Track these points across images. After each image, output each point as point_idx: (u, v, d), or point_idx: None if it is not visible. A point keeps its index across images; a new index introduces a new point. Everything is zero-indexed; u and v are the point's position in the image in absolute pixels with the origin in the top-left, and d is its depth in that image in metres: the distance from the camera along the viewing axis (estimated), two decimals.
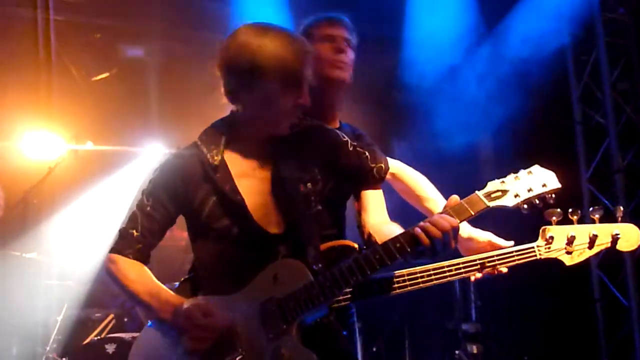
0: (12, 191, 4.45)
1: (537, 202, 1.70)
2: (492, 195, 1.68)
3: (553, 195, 1.70)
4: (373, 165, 1.90)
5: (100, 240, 4.75)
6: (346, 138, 1.90)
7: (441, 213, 1.65)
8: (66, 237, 4.83)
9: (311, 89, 2.20)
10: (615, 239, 1.82)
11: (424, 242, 1.59)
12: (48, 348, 4.08)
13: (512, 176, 1.71)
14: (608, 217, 1.87)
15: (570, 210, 1.83)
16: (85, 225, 5.06)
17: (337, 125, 2.27)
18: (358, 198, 1.97)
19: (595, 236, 1.82)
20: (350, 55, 2.25)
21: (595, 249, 1.84)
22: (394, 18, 5.06)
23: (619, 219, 1.85)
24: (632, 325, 4.73)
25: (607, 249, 1.85)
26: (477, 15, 5.04)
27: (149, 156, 5.30)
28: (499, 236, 1.99)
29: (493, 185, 1.70)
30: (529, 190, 1.69)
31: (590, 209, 1.85)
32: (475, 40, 5.08)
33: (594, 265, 4.94)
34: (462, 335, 4.65)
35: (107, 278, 1.85)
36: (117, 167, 5.32)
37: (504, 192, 1.68)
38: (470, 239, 1.99)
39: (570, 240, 1.82)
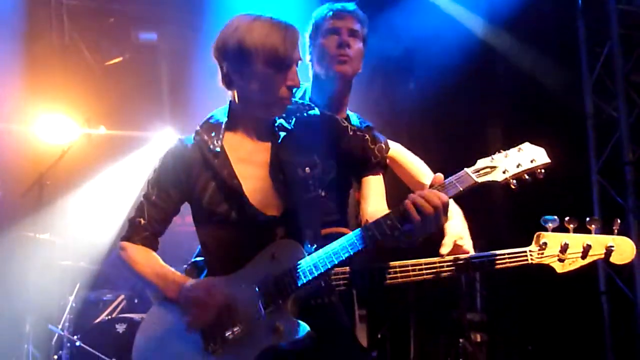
0: (26, 173, 4.53)
1: (527, 177, 1.70)
2: (481, 172, 1.69)
3: (542, 171, 1.70)
4: (373, 146, 1.94)
5: (112, 222, 4.84)
6: (346, 124, 1.95)
7: (432, 189, 1.67)
8: (79, 218, 4.92)
9: (320, 81, 2.28)
10: (609, 251, 1.84)
11: (414, 218, 1.62)
12: (60, 326, 4.17)
13: (502, 154, 1.72)
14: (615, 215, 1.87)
15: (567, 218, 1.86)
16: (97, 207, 5.15)
17: (344, 115, 2.31)
18: (359, 187, 2.01)
19: (589, 246, 1.83)
20: (355, 47, 2.27)
21: (588, 259, 1.85)
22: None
23: (615, 231, 1.87)
24: (637, 319, 4.74)
25: (600, 260, 1.86)
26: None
27: (160, 140, 5.36)
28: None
29: (482, 163, 1.71)
30: (517, 166, 1.69)
31: (587, 219, 1.87)
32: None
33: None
34: (467, 324, 4.69)
35: (119, 263, 1.95)
36: (129, 150, 5.39)
37: (493, 168, 1.69)
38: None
39: (564, 248, 1.84)
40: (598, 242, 1.84)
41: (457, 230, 2.02)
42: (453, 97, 5.11)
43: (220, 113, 1.94)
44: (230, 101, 1.92)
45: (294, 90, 1.82)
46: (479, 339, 4.63)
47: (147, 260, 1.88)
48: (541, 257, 1.86)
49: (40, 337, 4.23)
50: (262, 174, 1.84)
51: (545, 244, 1.86)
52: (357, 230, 1.71)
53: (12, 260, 4.39)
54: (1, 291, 4.34)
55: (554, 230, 1.87)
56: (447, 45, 4.81)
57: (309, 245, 1.77)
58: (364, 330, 4.71)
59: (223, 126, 1.89)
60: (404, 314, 4.89)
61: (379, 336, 4.81)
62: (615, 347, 4.80)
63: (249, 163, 1.85)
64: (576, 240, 1.85)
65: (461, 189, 1.68)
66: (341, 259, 1.70)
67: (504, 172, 1.69)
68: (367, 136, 1.94)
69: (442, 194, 1.65)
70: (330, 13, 2.30)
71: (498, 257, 1.89)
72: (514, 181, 1.70)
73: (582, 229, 1.87)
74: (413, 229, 1.65)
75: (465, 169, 1.71)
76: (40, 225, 4.37)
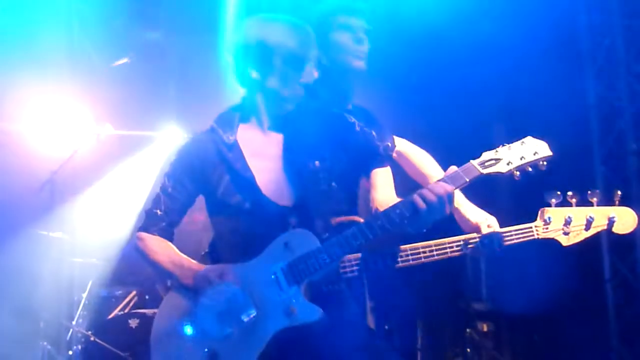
0: (38, 173, 4.62)
1: (530, 169, 1.80)
2: (486, 164, 1.79)
3: (544, 163, 1.80)
4: (379, 143, 2.06)
5: (122, 219, 4.93)
6: (353, 120, 2.05)
7: (439, 181, 1.79)
8: (90, 216, 5.01)
9: (328, 74, 2.33)
10: (611, 222, 1.92)
11: (420, 207, 1.73)
12: (74, 322, 4.26)
13: (505, 147, 1.82)
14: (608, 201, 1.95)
15: (569, 193, 1.94)
16: (107, 205, 5.24)
17: (349, 107, 2.37)
18: (368, 177, 2.09)
19: (592, 218, 1.91)
20: (367, 44, 2.34)
21: (592, 231, 1.93)
22: None
23: (617, 202, 1.95)
24: None
25: (603, 231, 1.94)
26: None
27: (168, 139, 5.44)
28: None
29: (487, 155, 1.81)
30: (521, 158, 1.78)
31: (589, 191, 1.94)
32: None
33: (605, 246, 4.98)
34: (473, 314, 4.74)
35: (136, 254, 2.04)
36: (136, 149, 5.47)
37: (497, 160, 1.79)
38: (463, 215, 2.14)
39: (568, 222, 1.92)
40: (600, 214, 1.92)
41: (484, 214, 2.12)
42: (456, 90, 5.15)
43: (234, 108, 2.05)
44: (243, 97, 2.03)
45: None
46: (485, 329, 4.68)
47: (163, 249, 1.97)
48: (547, 232, 1.94)
49: (55, 333, 4.32)
50: (275, 166, 1.94)
51: (549, 218, 1.94)
52: (367, 219, 1.81)
53: (26, 258, 4.48)
54: (16, 289, 4.43)
55: (557, 205, 1.94)
56: (449, 38, 4.85)
57: (321, 235, 1.85)
58: (372, 322, 4.77)
59: (236, 120, 2.00)
60: (410, 305, 4.94)
61: (386, 328, 4.86)
62: (621, 335, 4.84)
63: (262, 156, 1.96)
64: (579, 213, 1.93)
65: (467, 179, 1.78)
66: (352, 246, 1.80)
67: (508, 164, 1.79)
68: (374, 133, 2.05)
69: (447, 185, 1.75)
70: (346, 9, 2.34)
71: (506, 234, 1.98)
72: (518, 172, 1.80)
73: (584, 202, 1.95)
74: (419, 217, 1.75)
75: (471, 160, 1.81)
76: (52, 223, 4.46)
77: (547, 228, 1.94)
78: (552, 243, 1.98)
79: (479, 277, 4.99)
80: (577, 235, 1.93)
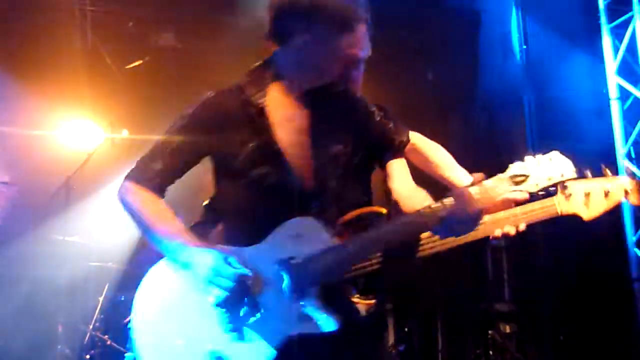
0: (53, 178, 4.63)
1: (553, 189, 1.72)
2: (516, 180, 1.65)
3: (566, 185, 1.76)
4: (395, 137, 1.94)
5: None
6: (374, 108, 1.92)
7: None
8: (105, 220, 5.00)
9: (330, 67, 2.23)
10: (626, 193, 1.87)
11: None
12: (91, 326, 4.25)
13: (534, 160, 1.66)
14: None
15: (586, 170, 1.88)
16: (122, 209, 5.22)
17: None
18: (383, 167, 2.01)
19: (609, 189, 1.87)
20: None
21: (610, 202, 1.88)
22: None
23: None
24: None
25: (621, 202, 1.89)
26: None
27: None
28: None
29: (516, 169, 1.66)
30: (548, 179, 1.66)
31: (602, 165, 1.90)
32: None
33: (632, 244, 4.84)
34: (496, 315, 4.62)
35: (125, 209, 1.78)
36: None
37: (526, 177, 1.66)
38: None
39: (587, 194, 1.87)
40: (617, 184, 1.89)
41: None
42: (473, 83, 5.06)
43: (264, 68, 1.82)
44: (278, 56, 1.80)
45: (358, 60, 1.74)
46: (508, 330, 4.55)
47: (161, 212, 1.74)
48: (569, 206, 1.87)
49: (72, 337, 4.31)
50: (300, 141, 1.76)
51: (568, 191, 1.87)
52: (385, 229, 1.69)
53: (43, 262, 4.49)
54: (33, 293, 4.44)
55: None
56: (464, 32, 4.77)
57: (337, 226, 1.71)
58: (391, 324, 4.69)
59: (268, 80, 1.79)
60: (431, 306, 4.85)
61: (406, 330, 4.77)
62: None
63: (288, 128, 1.76)
64: (597, 184, 1.88)
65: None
66: (368, 255, 1.67)
67: (536, 185, 1.65)
68: (391, 125, 1.93)
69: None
70: None
71: (528, 211, 1.85)
72: (541, 193, 1.69)
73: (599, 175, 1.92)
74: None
75: (499, 175, 1.65)
76: (68, 228, 4.46)
77: (568, 202, 1.86)
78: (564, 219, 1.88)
79: (501, 277, 4.88)
80: (597, 207, 1.88)
